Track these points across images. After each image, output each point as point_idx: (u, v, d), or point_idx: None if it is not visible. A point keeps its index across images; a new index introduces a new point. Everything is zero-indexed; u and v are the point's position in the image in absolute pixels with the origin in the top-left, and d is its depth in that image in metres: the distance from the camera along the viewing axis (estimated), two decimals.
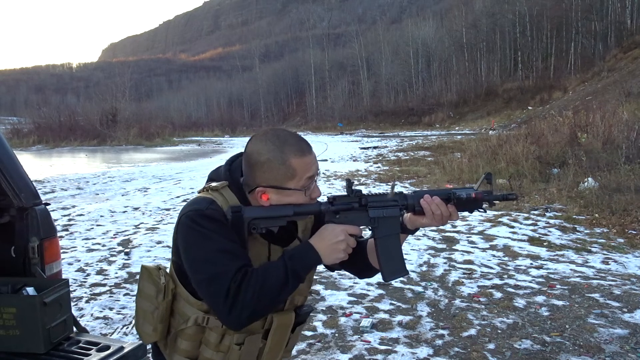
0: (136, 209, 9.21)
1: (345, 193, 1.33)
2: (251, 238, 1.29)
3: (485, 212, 1.48)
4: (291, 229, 1.38)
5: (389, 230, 1.35)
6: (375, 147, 24.11)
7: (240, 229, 1.25)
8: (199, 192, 1.36)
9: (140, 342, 2.30)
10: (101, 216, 8.54)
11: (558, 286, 4.58)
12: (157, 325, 1.36)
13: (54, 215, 3.97)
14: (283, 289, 1.23)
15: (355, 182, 12.03)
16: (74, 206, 9.60)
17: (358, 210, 1.32)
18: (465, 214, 7.90)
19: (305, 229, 1.42)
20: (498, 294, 4.44)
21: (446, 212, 1.33)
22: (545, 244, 6.12)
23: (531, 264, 5.33)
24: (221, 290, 1.19)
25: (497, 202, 1.40)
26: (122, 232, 7.29)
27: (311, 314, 4.02)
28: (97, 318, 4.09)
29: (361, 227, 1.34)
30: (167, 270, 1.39)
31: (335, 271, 1.60)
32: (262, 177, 1.27)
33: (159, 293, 1.33)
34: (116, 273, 5.30)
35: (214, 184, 1.35)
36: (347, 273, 1.58)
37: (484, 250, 5.95)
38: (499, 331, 3.69)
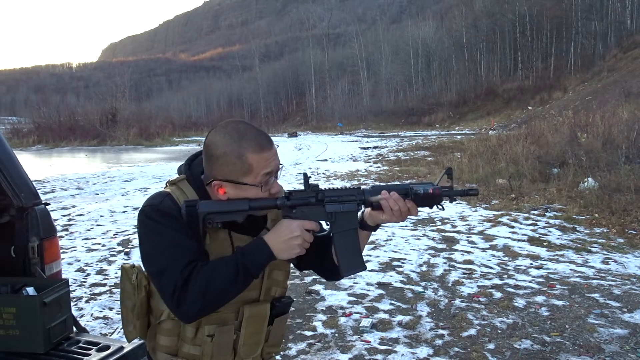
0: (136, 209, 9.20)
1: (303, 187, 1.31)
2: (214, 230, 1.28)
3: (443, 209, 1.47)
4: (258, 219, 1.36)
5: (347, 225, 1.33)
6: (375, 147, 24.11)
7: (195, 223, 1.23)
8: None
9: (141, 342, 2.30)
10: (101, 216, 8.55)
11: (558, 286, 4.58)
12: (135, 322, 1.36)
13: (54, 215, 3.97)
14: (233, 285, 1.22)
15: (356, 182, 12.08)
16: (74, 206, 9.61)
17: (315, 205, 1.30)
18: (468, 213, 7.94)
19: (276, 218, 1.38)
20: (498, 294, 4.45)
21: (404, 207, 1.31)
22: (545, 244, 6.12)
23: (531, 264, 5.33)
24: (169, 284, 1.19)
25: (458, 197, 1.37)
26: (122, 232, 7.29)
27: (311, 314, 4.04)
28: (97, 318, 4.10)
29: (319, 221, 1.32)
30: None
31: (303, 270, 1.57)
32: (219, 170, 1.26)
33: (134, 290, 1.34)
34: (116, 273, 5.29)
35: (173, 177, 1.36)
36: None
37: (484, 250, 5.95)
38: (499, 331, 3.69)
